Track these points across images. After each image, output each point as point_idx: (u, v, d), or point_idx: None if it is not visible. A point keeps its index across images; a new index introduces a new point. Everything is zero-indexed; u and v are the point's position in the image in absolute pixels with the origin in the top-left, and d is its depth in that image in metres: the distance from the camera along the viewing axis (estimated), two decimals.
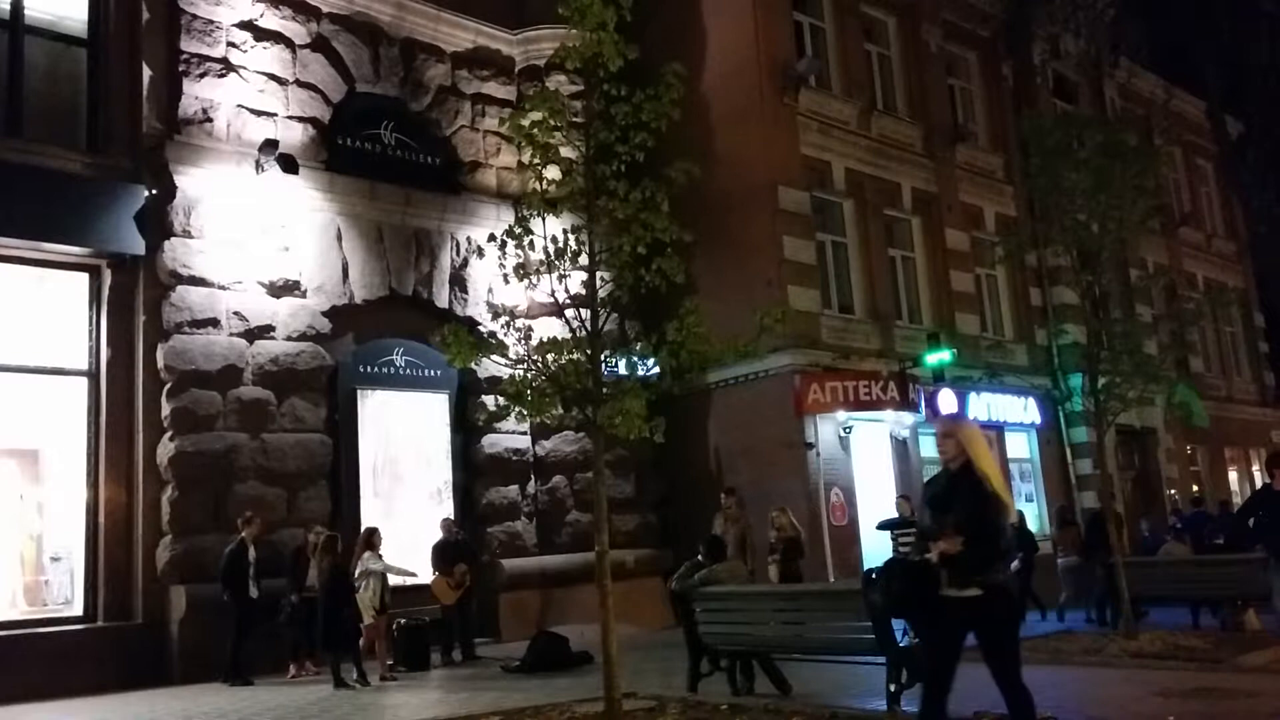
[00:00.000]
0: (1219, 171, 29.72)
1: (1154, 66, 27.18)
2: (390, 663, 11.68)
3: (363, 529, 12.24)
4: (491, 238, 7.97)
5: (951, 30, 20.65)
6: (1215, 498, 23.27)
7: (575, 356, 7.67)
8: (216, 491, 12.36)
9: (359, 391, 14.28)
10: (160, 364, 12.41)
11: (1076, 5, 22.88)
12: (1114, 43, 24.32)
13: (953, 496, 4.92)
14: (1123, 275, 19.94)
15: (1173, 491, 22.88)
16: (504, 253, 7.88)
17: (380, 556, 11.66)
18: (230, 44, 13.62)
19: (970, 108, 21.35)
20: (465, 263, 15.45)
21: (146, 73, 13.00)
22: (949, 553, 4.75)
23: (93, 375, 12.46)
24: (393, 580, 11.87)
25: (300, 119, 14.20)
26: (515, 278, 8.02)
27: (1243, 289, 29.01)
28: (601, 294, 7.92)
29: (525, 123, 7.79)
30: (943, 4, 20.43)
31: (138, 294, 12.63)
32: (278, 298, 13.38)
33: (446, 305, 15.23)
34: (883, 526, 14.45)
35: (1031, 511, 19.87)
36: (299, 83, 14.29)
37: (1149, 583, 12.53)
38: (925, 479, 16.54)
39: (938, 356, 16.71)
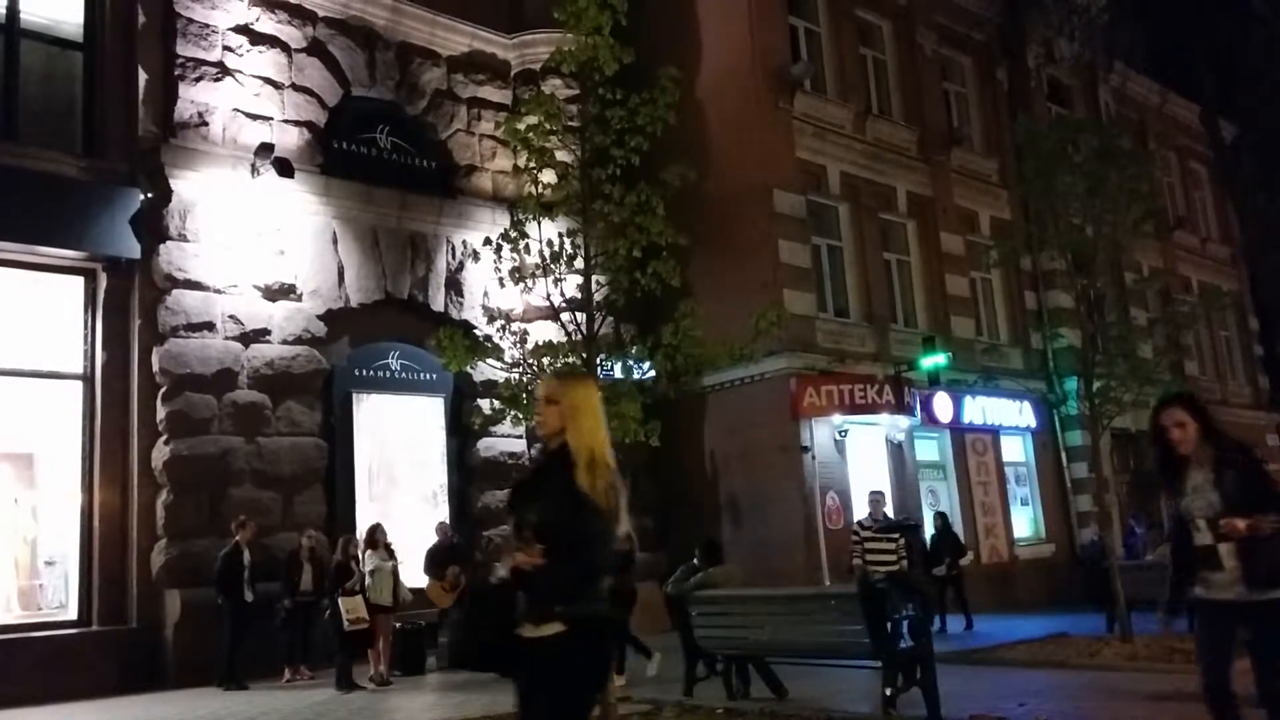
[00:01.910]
0: (1213, 175, 29.79)
1: (1148, 71, 27.25)
2: (384, 667, 11.67)
3: (365, 526, 12.20)
4: (487, 241, 7.98)
5: (946, 34, 20.70)
6: None
7: (571, 360, 7.68)
8: (211, 495, 12.34)
9: (354, 395, 14.26)
10: (155, 367, 12.39)
11: (1071, 9, 22.94)
12: (1108, 47, 24.38)
13: (540, 490, 3.49)
14: (1117, 279, 19.95)
15: None
16: (499, 256, 7.90)
17: (391, 552, 11.67)
18: (226, 48, 13.62)
19: (965, 112, 21.39)
20: (461, 266, 15.45)
21: (142, 76, 13.00)
22: (522, 569, 3.30)
23: (88, 379, 12.44)
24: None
25: (296, 123, 14.20)
26: (511, 281, 8.03)
27: (1237, 292, 29.07)
28: (597, 297, 7.93)
29: (521, 126, 7.81)
30: (937, 8, 20.48)
31: (133, 297, 12.62)
32: (273, 301, 13.37)
33: (442, 309, 15.22)
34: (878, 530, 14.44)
35: (1027, 515, 19.94)
36: (294, 87, 14.30)
37: (1142, 586, 12.52)
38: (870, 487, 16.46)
39: (933, 360, 16.72)
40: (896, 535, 11.44)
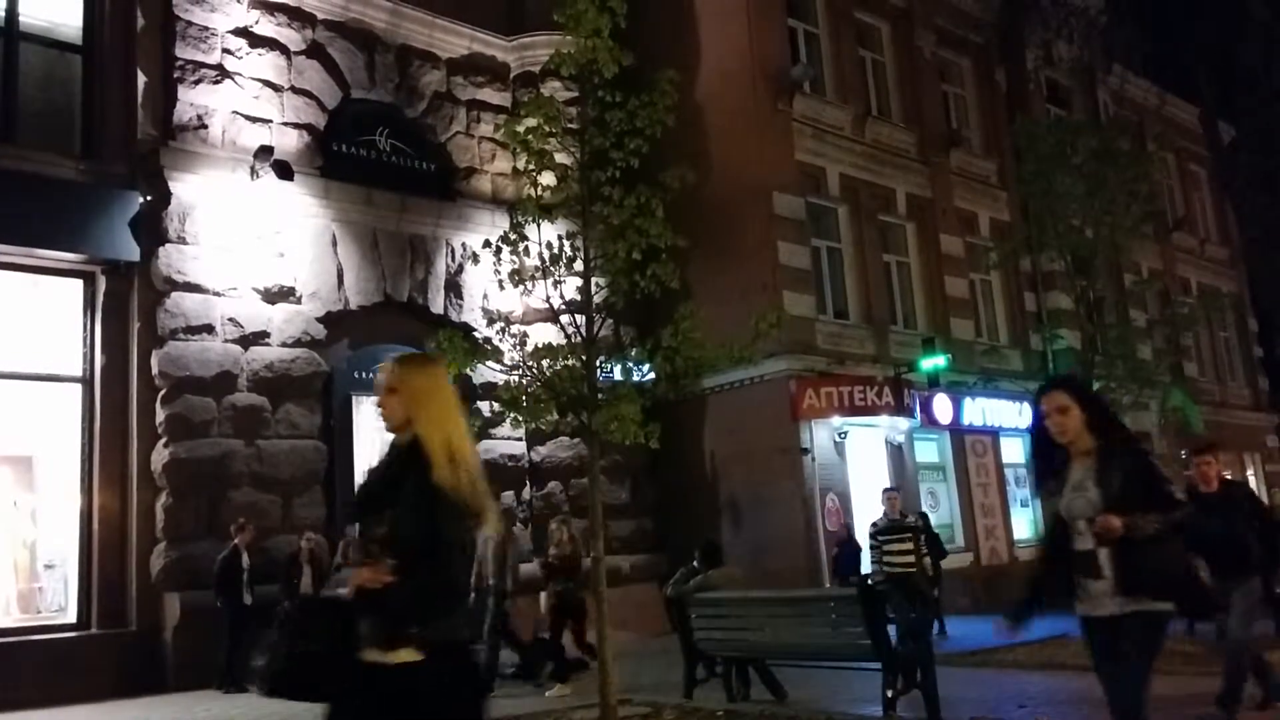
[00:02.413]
0: (1212, 177, 29.83)
1: (1147, 72, 27.29)
2: None
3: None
4: (487, 244, 7.98)
5: (945, 36, 20.71)
6: None
7: (570, 362, 7.68)
8: (211, 498, 12.34)
9: (354, 397, 14.24)
10: (155, 370, 12.38)
11: (1069, 12, 22.97)
12: (1107, 49, 24.41)
13: (389, 493, 2.97)
14: (1117, 280, 20.01)
15: None
16: (499, 259, 7.89)
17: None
18: (225, 50, 13.62)
19: (964, 113, 21.41)
20: (460, 269, 15.45)
21: (141, 79, 13.00)
22: (369, 586, 2.81)
23: (87, 381, 12.43)
24: None
25: (295, 125, 14.20)
26: (510, 284, 8.02)
27: (1236, 294, 29.09)
28: (596, 299, 7.93)
29: (520, 129, 7.80)
30: (936, 10, 20.49)
31: (132, 300, 12.61)
32: (272, 304, 13.36)
33: (442, 311, 15.22)
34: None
35: (1027, 518, 19.92)
36: (294, 89, 14.30)
37: None
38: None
39: (933, 362, 16.73)
40: (908, 534, 11.40)
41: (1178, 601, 3.83)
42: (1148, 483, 3.87)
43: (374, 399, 3.14)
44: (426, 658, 2.78)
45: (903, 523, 11.59)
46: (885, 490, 12.38)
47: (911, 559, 11.01)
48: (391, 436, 3.09)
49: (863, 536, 15.03)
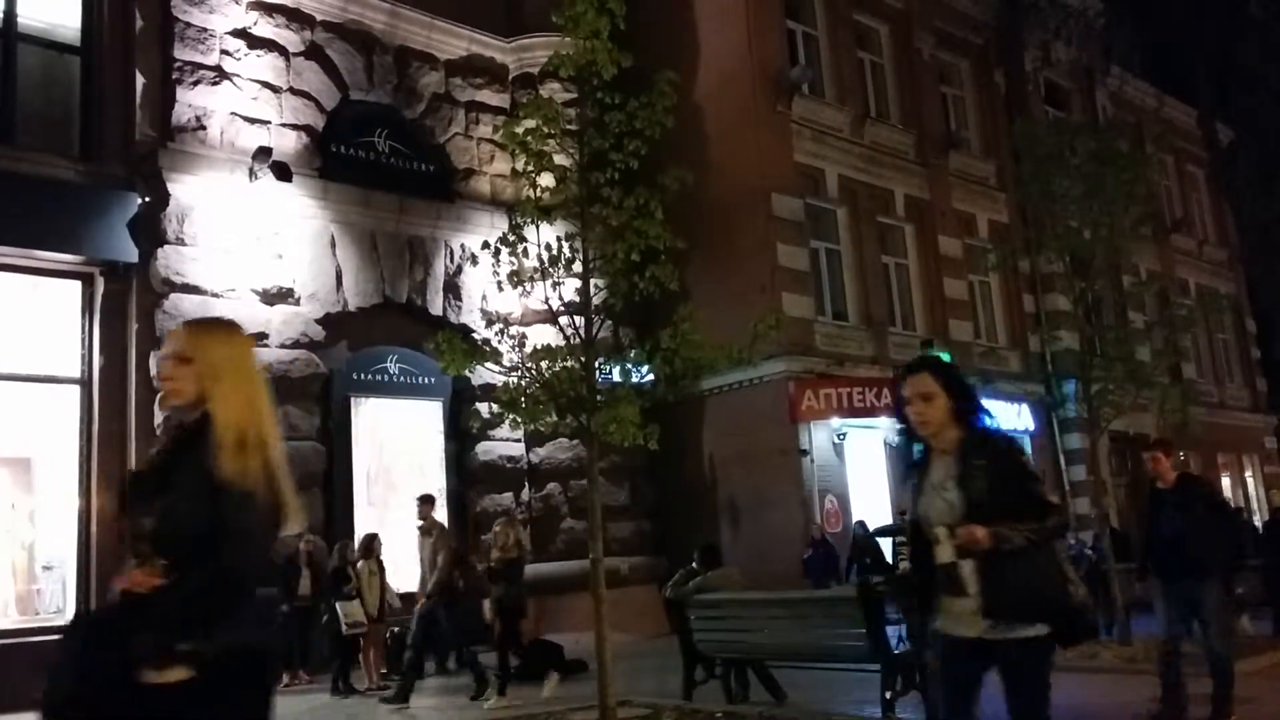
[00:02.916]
0: (1210, 178, 29.86)
1: (1145, 74, 27.32)
2: (384, 670, 11.67)
3: (361, 535, 12.20)
4: (485, 245, 7.97)
5: (944, 38, 20.73)
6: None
7: (569, 363, 7.67)
8: None
9: (353, 399, 14.26)
10: (153, 372, 12.36)
11: (1067, 13, 22.99)
12: (1105, 50, 24.43)
13: (167, 480, 2.54)
14: (1115, 282, 19.98)
15: None
16: (498, 260, 7.88)
17: (381, 565, 11.67)
18: (224, 52, 13.62)
19: (963, 115, 21.42)
20: (459, 270, 15.45)
21: (140, 80, 13.00)
22: (137, 591, 2.41)
23: (85, 383, 12.42)
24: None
25: (294, 126, 14.20)
26: (509, 285, 8.01)
27: (1235, 295, 29.10)
28: (595, 301, 7.92)
29: (519, 130, 7.80)
30: (935, 12, 20.51)
31: (131, 301, 12.60)
32: (271, 305, 13.35)
33: (440, 312, 15.22)
34: (877, 533, 14.44)
35: None
36: (293, 90, 14.30)
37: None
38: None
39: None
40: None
41: (1050, 624, 3.23)
42: (1019, 484, 3.29)
43: (158, 368, 2.73)
44: (203, 674, 2.32)
45: (890, 525, 11.36)
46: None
47: None
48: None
49: (846, 541, 15.04)
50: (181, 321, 2.72)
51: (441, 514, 14.65)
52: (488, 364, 8.04)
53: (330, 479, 13.70)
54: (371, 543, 11.68)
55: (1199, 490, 6.99)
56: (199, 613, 2.36)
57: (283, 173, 13.46)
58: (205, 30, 13.47)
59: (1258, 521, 21.64)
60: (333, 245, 14.24)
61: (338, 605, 10.89)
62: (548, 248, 7.79)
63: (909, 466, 3.65)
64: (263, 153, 13.42)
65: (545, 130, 7.67)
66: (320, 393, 13.79)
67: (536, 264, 7.81)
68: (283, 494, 2.58)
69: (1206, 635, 6.70)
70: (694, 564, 9.58)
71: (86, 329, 12.58)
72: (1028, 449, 20.13)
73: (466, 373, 8.53)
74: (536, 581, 15.05)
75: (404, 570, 12.73)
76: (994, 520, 3.15)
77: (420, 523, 10.61)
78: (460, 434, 15.12)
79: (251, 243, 13.26)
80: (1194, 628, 6.83)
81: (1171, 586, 6.77)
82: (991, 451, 3.33)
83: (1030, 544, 3.17)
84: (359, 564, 11.44)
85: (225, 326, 2.93)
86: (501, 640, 9.99)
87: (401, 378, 14.69)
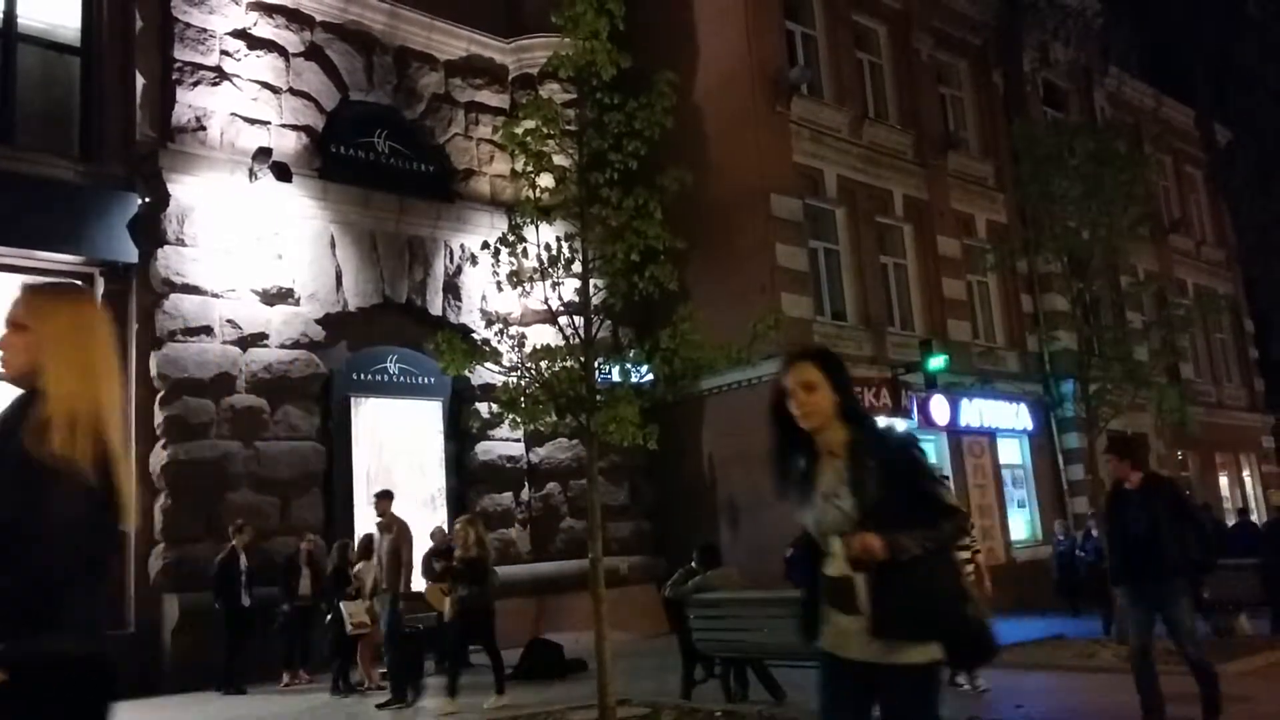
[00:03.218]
0: (1208, 179, 29.90)
1: (1143, 74, 27.36)
2: (383, 671, 11.67)
3: (360, 537, 12.20)
4: (485, 245, 7.99)
5: (942, 38, 20.76)
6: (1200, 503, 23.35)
7: (569, 364, 7.69)
8: (209, 500, 12.34)
9: (352, 399, 14.27)
10: (153, 372, 12.39)
11: (1066, 14, 23.02)
12: (1103, 51, 24.47)
13: None
14: (1113, 282, 20.02)
15: None
16: (497, 260, 7.90)
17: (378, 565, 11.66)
18: (224, 52, 13.64)
19: (961, 115, 21.45)
20: (459, 270, 15.47)
21: (140, 81, 13.01)
22: None
23: None
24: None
25: (294, 127, 14.21)
26: (509, 285, 8.03)
27: (1232, 295, 29.15)
28: (595, 301, 7.94)
29: (519, 131, 7.81)
30: (933, 12, 20.54)
31: (131, 302, 12.62)
32: (271, 305, 13.37)
33: (440, 313, 15.23)
34: None
35: (1024, 518, 19.96)
36: (292, 91, 14.32)
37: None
38: None
39: (937, 362, 16.75)
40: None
41: (945, 644, 2.87)
42: (914, 485, 2.95)
43: None
44: (15, 679, 2.08)
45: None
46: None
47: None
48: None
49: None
50: (21, 283, 2.39)
51: (440, 514, 14.72)
52: (487, 364, 8.05)
53: (330, 479, 13.72)
54: (371, 543, 11.67)
55: (1164, 491, 6.74)
56: (9, 614, 2.11)
57: (282, 173, 13.48)
58: (205, 31, 13.48)
59: (1257, 520, 21.70)
60: (332, 245, 14.26)
61: (342, 605, 10.88)
62: (547, 248, 7.81)
63: (786, 477, 3.27)
64: (263, 153, 13.44)
65: (545, 131, 7.69)
66: (320, 393, 13.81)
67: (536, 264, 7.83)
68: (118, 484, 2.27)
69: (1177, 640, 6.46)
70: (693, 563, 9.60)
71: None
72: (1025, 448, 20.22)
73: (466, 373, 8.54)
74: (536, 581, 15.10)
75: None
76: (890, 527, 2.83)
77: (379, 519, 10.34)
78: (460, 434, 15.14)
79: (251, 243, 13.28)
80: (1160, 630, 6.60)
81: (1138, 589, 6.57)
82: (884, 451, 2.99)
83: (927, 552, 2.83)
84: (359, 565, 11.45)
85: (70, 292, 2.59)
86: (461, 640, 9.74)
87: (401, 378, 14.71)
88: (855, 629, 2.89)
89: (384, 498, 10.50)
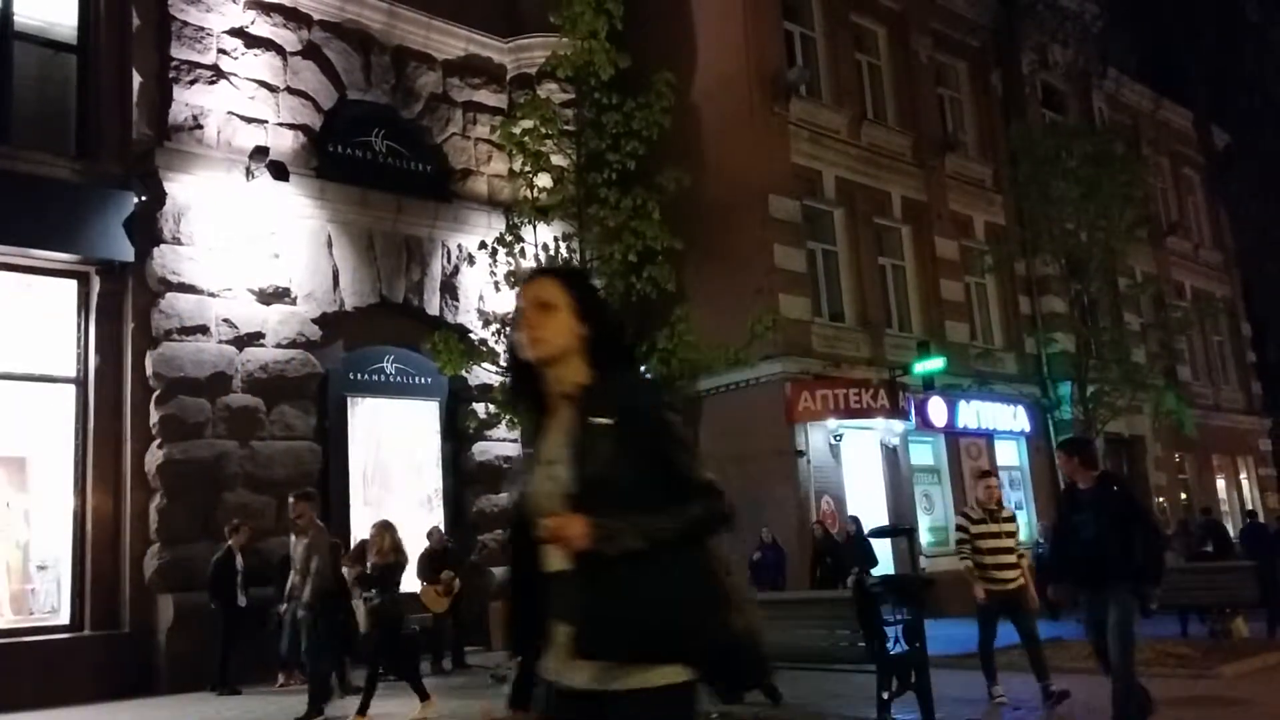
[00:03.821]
0: (1206, 181, 29.92)
1: (1141, 77, 27.37)
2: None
3: (355, 540, 12.17)
4: (482, 245, 7.98)
5: (941, 40, 20.76)
6: (1198, 505, 23.38)
7: None
8: (205, 499, 12.30)
9: (349, 399, 14.24)
10: (149, 371, 12.35)
11: (1065, 16, 23.03)
12: (1102, 53, 24.48)
13: None
14: (1111, 284, 20.05)
15: (1161, 499, 22.98)
16: (495, 260, 7.89)
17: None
18: (221, 51, 13.60)
19: (960, 117, 21.44)
20: (456, 270, 15.43)
21: (136, 79, 12.97)
22: None
23: (81, 382, 12.39)
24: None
25: (291, 126, 14.18)
26: (506, 285, 8.03)
27: (1230, 298, 29.18)
28: None
29: (516, 130, 7.82)
30: (932, 14, 20.53)
31: (127, 301, 12.58)
32: (267, 305, 13.34)
33: (437, 313, 15.20)
34: (873, 534, 14.44)
35: (1021, 519, 19.94)
36: (290, 90, 14.28)
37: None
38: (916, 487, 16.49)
39: (926, 365, 16.76)
40: (1006, 533, 8.34)
41: (690, 666, 2.25)
42: (659, 455, 2.28)
43: None
44: None
45: (1000, 515, 8.40)
46: (982, 474, 9.52)
47: (1012, 557, 8.18)
48: None
49: (780, 546, 14.94)
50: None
51: (437, 514, 14.69)
52: (484, 364, 8.04)
53: (326, 479, 13.68)
54: (363, 547, 11.69)
55: (1115, 493, 6.50)
56: None
57: (280, 172, 13.44)
58: (202, 29, 13.45)
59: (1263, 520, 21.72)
60: (329, 245, 14.23)
61: (356, 605, 10.78)
62: (545, 248, 7.80)
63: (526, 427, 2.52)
64: (260, 152, 13.40)
65: (543, 131, 7.69)
66: (316, 392, 13.78)
67: (533, 264, 7.82)
68: None
69: (1110, 645, 6.17)
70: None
71: (82, 328, 12.55)
72: (1023, 449, 20.22)
73: (463, 373, 8.54)
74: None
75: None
76: (615, 507, 2.16)
77: (297, 521, 9.29)
78: (457, 434, 15.11)
79: (248, 242, 13.25)
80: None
81: (1087, 593, 6.36)
82: (623, 406, 2.27)
83: (656, 544, 2.17)
84: (345, 569, 11.40)
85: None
86: (378, 651, 9.20)
87: (398, 378, 14.67)
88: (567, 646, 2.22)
89: (302, 498, 9.35)
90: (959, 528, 8.63)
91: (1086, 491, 6.44)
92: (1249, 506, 24.68)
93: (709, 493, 2.35)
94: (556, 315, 2.35)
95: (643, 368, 8.08)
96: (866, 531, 14.72)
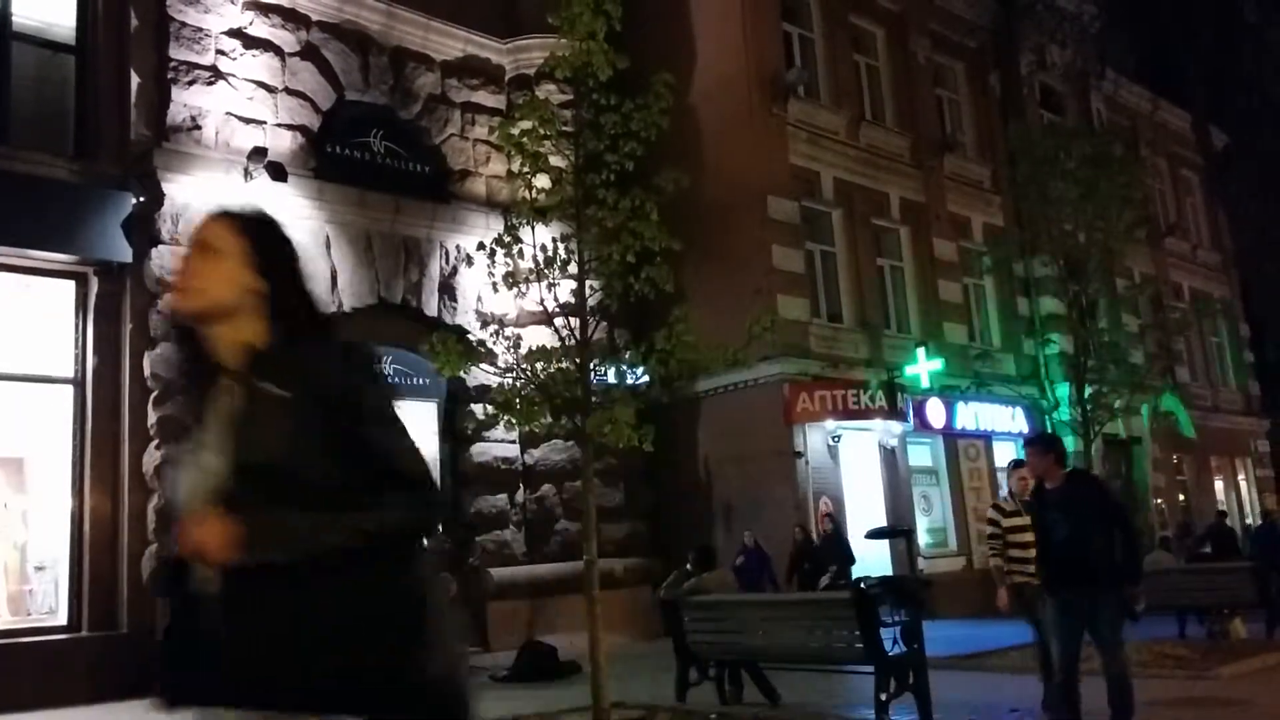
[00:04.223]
0: (1204, 182, 29.95)
1: (1139, 78, 27.40)
2: None
3: None
4: (481, 246, 7.97)
5: (939, 41, 20.77)
6: (1196, 507, 23.40)
7: (564, 365, 7.67)
8: None
9: None
10: (147, 372, 12.33)
11: (1063, 17, 23.06)
12: (1100, 54, 24.51)
13: None
14: (1109, 285, 20.05)
15: (1160, 501, 22.99)
16: (493, 261, 7.89)
17: None
18: (219, 51, 13.59)
19: (958, 118, 21.47)
20: (454, 271, 15.43)
21: (135, 80, 12.96)
22: None
23: (79, 383, 12.38)
24: None
25: (289, 127, 14.17)
26: (504, 286, 8.02)
27: (1228, 299, 29.20)
28: (591, 302, 7.93)
29: (515, 131, 7.80)
30: (931, 15, 20.55)
31: (125, 301, 12.56)
32: None
33: (435, 314, 15.19)
34: (871, 535, 14.44)
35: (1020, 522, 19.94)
36: (288, 91, 14.27)
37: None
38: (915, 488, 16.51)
39: (917, 369, 16.77)
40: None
41: (361, 714, 1.72)
42: (351, 439, 1.82)
43: None
44: None
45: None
46: (1014, 464, 8.41)
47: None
48: None
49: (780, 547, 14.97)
50: None
51: None
52: (483, 365, 8.04)
53: None
54: None
55: (1089, 490, 6.20)
56: None
57: (278, 173, 13.43)
58: (201, 30, 13.44)
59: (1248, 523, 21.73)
60: (328, 246, 14.22)
61: None
62: (543, 249, 7.80)
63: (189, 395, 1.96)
64: (258, 153, 13.39)
65: (541, 131, 7.68)
66: None
67: (532, 265, 7.82)
68: None
69: (1102, 654, 5.93)
70: (688, 565, 9.59)
71: (80, 329, 12.54)
72: (1021, 451, 20.21)
73: (462, 374, 8.53)
74: (531, 583, 15.07)
75: None
76: (280, 503, 1.71)
77: None
78: (455, 435, 15.10)
79: None
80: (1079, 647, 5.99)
81: (1061, 600, 6.01)
82: (305, 375, 1.82)
83: (331, 554, 1.69)
84: None
85: None
86: None
87: (396, 379, 14.66)
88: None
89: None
90: (989, 521, 8.02)
91: (1054, 490, 6.13)
92: (1266, 508, 24.59)
93: (418, 485, 1.85)
94: (221, 263, 1.98)
95: (641, 369, 8.07)
96: (865, 533, 14.71)
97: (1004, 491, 9.20)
